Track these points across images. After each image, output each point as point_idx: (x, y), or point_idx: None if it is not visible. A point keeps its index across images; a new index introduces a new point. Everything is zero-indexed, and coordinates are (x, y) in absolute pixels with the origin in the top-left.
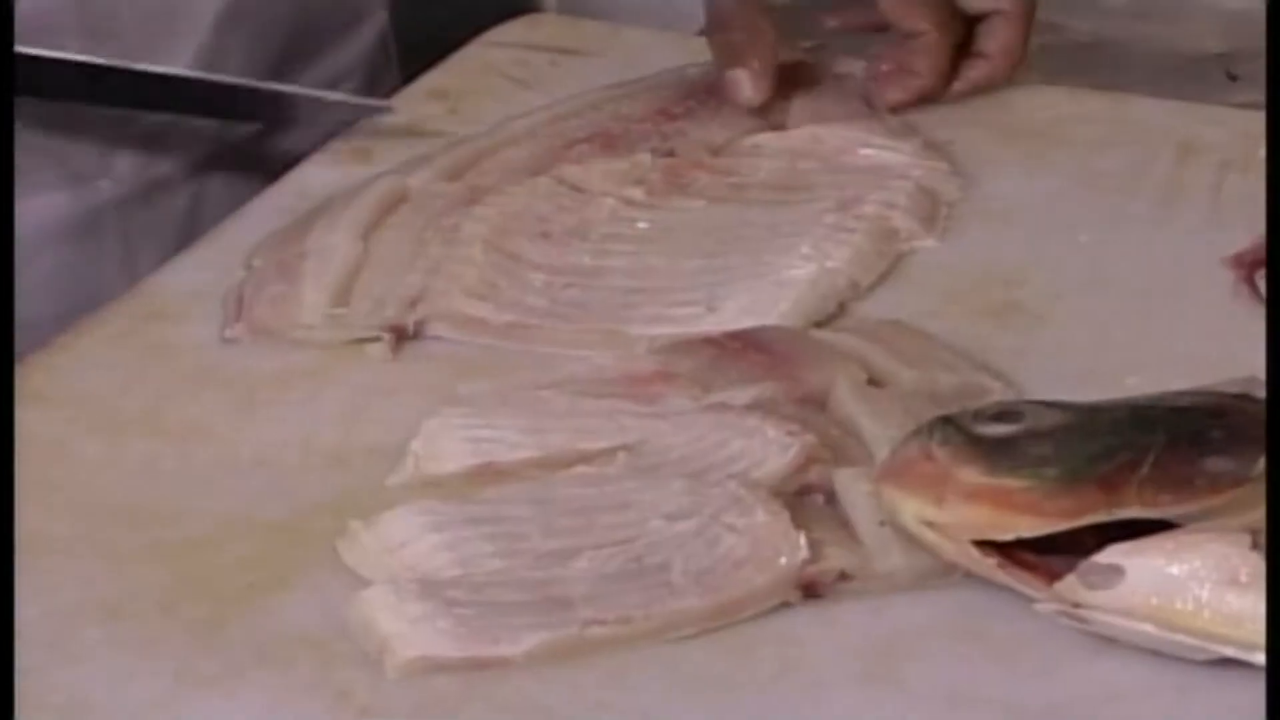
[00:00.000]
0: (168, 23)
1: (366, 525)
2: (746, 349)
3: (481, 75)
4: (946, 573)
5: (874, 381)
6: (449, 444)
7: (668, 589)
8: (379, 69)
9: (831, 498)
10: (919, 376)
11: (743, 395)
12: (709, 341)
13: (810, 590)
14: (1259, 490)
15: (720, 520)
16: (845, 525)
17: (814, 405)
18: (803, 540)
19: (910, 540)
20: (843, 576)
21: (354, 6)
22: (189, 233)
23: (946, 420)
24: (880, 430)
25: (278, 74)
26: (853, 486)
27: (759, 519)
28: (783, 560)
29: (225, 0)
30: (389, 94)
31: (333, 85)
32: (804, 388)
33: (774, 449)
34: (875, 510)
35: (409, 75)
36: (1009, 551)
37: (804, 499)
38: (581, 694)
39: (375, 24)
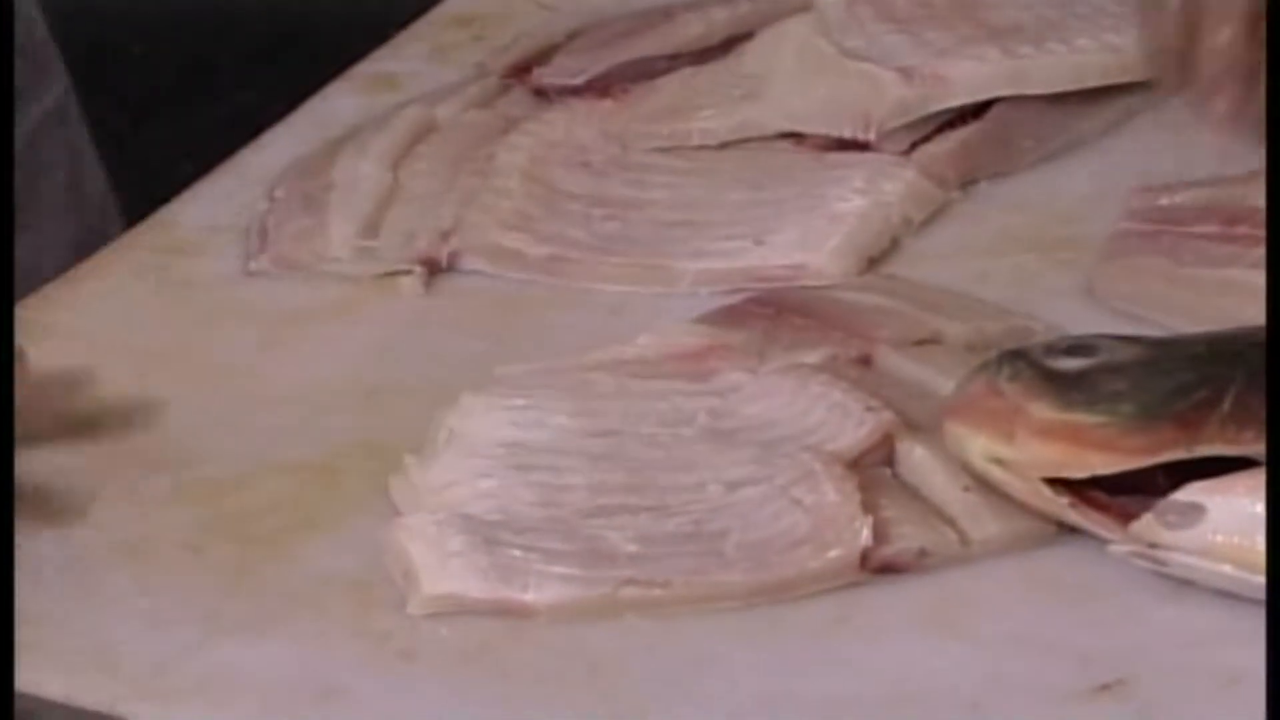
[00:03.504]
0: None
1: (419, 462)
2: (781, 313)
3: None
4: (1043, 535)
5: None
6: (489, 427)
7: (718, 558)
8: None
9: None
10: (966, 327)
11: (809, 359)
12: (746, 311)
13: (886, 570)
14: None
15: (789, 493)
16: (920, 498)
17: (868, 366)
18: (866, 529)
19: (999, 502)
20: (922, 553)
21: None
22: None
23: (1016, 354)
24: (944, 383)
25: None
26: (925, 458)
27: (829, 498)
28: (838, 551)
29: None
30: None
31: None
32: (859, 349)
33: (850, 423)
34: (957, 475)
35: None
36: (1081, 491)
37: (876, 471)
38: (631, 638)
39: None
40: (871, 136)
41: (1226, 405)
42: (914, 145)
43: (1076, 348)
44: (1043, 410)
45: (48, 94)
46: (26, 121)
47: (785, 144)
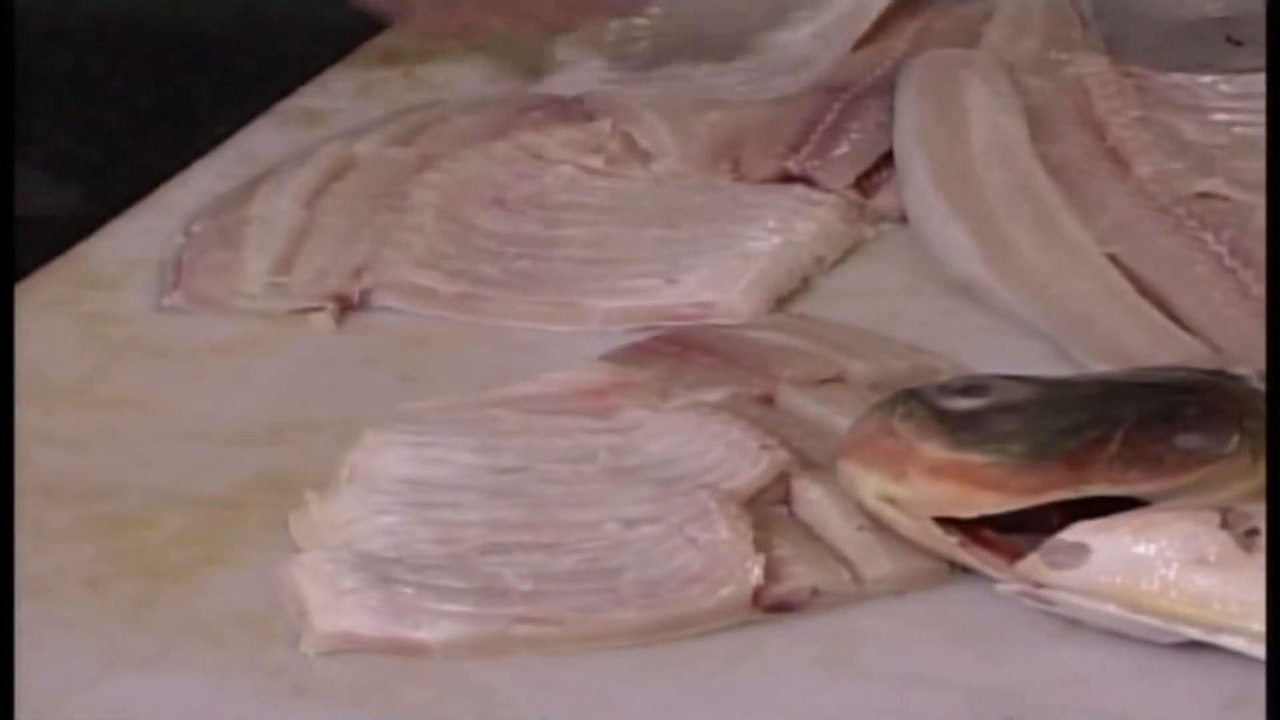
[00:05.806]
0: None
1: (320, 498)
2: (686, 351)
3: (437, 37)
4: (936, 574)
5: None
6: (391, 464)
7: (612, 596)
8: None
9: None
10: (871, 366)
11: (711, 397)
12: (652, 349)
13: (779, 609)
14: (1231, 468)
15: (684, 531)
16: (816, 537)
17: (771, 404)
18: (758, 567)
19: (893, 542)
20: (815, 592)
21: None
22: None
23: (910, 394)
24: (844, 422)
25: None
26: (820, 497)
27: (722, 535)
28: (730, 590)
29: None
30: None
31: None
32: (761, 387)
33: (747, 461)
34: (852, 515)
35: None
36: (971, 529)
37: (772, 509)
38: (524, 675)
39: None
40: None
41: (1114, 446)
42: (859, 180)
43: (970, 388)
44: (934, 450)
45: None
46: None
47: (711, 178)
